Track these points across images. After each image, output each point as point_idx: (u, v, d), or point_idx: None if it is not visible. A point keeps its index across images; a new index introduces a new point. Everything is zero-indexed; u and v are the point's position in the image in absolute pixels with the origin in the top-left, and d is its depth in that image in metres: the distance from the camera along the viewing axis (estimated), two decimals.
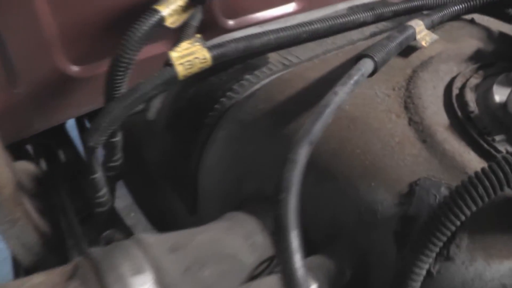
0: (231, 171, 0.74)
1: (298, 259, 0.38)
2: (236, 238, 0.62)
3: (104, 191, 0.82)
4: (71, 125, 1.33)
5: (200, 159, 0.79)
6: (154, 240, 0.60)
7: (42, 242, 0.92)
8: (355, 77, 0.57)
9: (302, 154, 0.44)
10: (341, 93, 0.52)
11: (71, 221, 1.00)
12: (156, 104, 0.76)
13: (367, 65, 0.61)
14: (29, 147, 1.22)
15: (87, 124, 1.34)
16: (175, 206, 0.91)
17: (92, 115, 1.29)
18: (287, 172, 0.42)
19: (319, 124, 0.48)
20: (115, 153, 0.85)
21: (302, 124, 0.67)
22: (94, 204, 0.83)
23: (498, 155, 0.51)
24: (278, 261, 0.38)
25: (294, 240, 0.39)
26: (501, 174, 0.49)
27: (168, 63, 0.73)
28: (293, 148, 0.45)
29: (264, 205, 0.68)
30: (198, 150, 0.78)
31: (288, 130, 0.68)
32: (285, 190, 0.41)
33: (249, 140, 0.71)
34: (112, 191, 0.89)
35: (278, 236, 0.39)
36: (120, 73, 0.73)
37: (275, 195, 0.41)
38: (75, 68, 1.01)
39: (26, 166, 1.11)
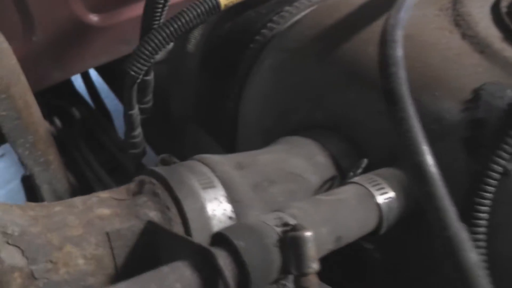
0: (277, 102, 0.72)
1: (417, 125, 0.37)
2: (298, 158, 0.61)
3: (139, 130, 0.79)
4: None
5: (240, 94, 0.77)
6: (219, 158, 0.58)
7: (71, 191, 0.90)
8: None
9: (399, 35, 0.43)
10: None
11: (98, 172, 0.97)
12: (196, 35, 0.74)
13: None
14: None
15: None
16: (208, 152, 0.89)
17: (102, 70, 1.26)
18: (390, 50, 0.41)
19: (404, 11, 0.47)
20: (147, 93, 0.82)
21: (355, 48, 0.66)
22: (128, 145, 0.80)
23: None
24: (397, 132, 0.37)
25: (411, 108, 0.38)
26: None
27: None
28: (388, 32, 0.44)
29: (318, 130, 0.67)
30: (238, 85, 0.77)
31: (340, 54, 0.67)
32: (393, 65, 0.40)
33: (297, 67, 0.70)
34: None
35: (394, 107, 0.38)
36: (160, 1, 0.70)
37: (384, 71, 0.40)
38: (93, 17, 0.98)
39: None
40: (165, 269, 0.41)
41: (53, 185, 0.81)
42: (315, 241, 0.45)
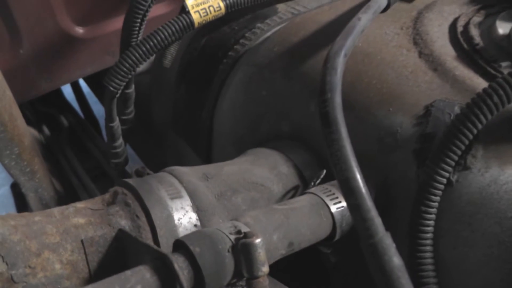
0: (247, 114, 0.77)
1: (348, 145, 0.42)
2: (262, 169, 0.65)
3: (120, 141, 0.84)
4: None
5: (215, 105, 0.81)
6: (187, 170, 0.62)
7: (57, 199, 0.94)
8: (374, 8, 0.60)
9: (340, 63, 0.48)
10: (364, 19, 0.56)
11: (83, 179, 1.01)
12: (172, 51, 0.78)
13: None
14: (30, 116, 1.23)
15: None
16: (188, 162, 0.93)
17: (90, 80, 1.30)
18: (329, 77, 0.46)
19: (350, 39, 0.52)
20: (128, 105, 0.87)
21: (317, 64, 0.71)
22: (110, 155, 0.84)
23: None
24: (329, 151, 0.42)
25: (343, 130, 0.43)
26: None
27: (184, 11, 0.76)
28: (330, 58, 0.48)
29: (284, 141, 0.72)
30: (212, 97, 0.81)
31: (304, 69, 0.71)
32: (329, 91, 0.44)
33: (265, 81, 0.74)
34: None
35: (328, 129, 0.42)
36: (137, 19, 0.75)
37: (321, 96, 0.44)
38: (79, 29, 1.02)
39: (30, 131, 1.11)
40: (128, 272, 0.45)
41: (39, 193, 0.86)
42: (266, 246, 0.49)
